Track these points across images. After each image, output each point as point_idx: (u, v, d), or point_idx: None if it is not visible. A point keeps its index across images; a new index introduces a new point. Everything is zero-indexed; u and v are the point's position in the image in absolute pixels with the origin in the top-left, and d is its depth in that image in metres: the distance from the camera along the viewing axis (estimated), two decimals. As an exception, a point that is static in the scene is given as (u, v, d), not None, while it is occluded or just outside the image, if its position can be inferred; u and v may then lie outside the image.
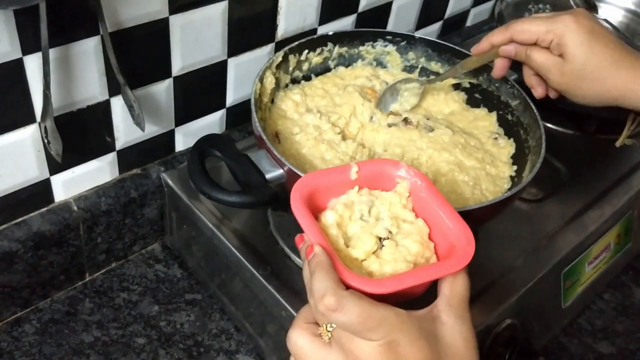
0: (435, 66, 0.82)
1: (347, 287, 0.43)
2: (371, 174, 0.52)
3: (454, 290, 0.45)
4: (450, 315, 0.44)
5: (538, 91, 0.70)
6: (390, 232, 0.49)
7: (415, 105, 0.78)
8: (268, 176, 0.61)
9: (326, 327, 0.43)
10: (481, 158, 0.72)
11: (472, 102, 0.80)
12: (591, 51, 0.62)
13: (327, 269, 0.43)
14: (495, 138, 0.75)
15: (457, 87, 0.81)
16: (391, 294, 0.43)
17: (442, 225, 0.49)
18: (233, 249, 0.69)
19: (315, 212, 0.50)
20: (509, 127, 0.76)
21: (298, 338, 0.44)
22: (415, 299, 0.47)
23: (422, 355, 0.41)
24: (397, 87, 0.76)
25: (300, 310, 0.46)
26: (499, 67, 0.72)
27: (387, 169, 0.52)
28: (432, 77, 0.81)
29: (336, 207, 0.50)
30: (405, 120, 0.70)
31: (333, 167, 0.57)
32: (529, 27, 0.65)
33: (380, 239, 0.49)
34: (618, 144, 0.87)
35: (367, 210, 0.51)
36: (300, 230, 0.47)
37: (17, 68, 0.58)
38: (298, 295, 0.65)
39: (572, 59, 0.63)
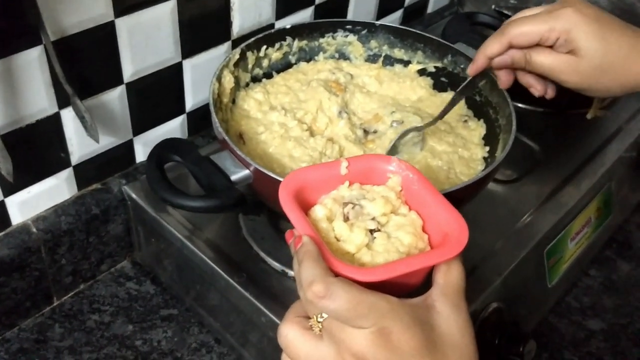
0: (398, 53, 0.80)
1: (338, 276, 0.41)
2: (362, 169, 0.51)
3: (448, 279, 0.43)
4: (446, 304, 0.42)
5: (538, 89, 0.64)
6: (380, 223, 0.48)
7: (418, 154, 0.69)
8: (233, 177, 0.58)
9: (316, 318, 0.42)
10: (452, 142, 0.70)
11: (438, 87, 0.78)
12: (606, 42, 0.57)
13: (315, 257, 0.42)
14: (465, 121, 0.74)
15: (422, 72, 0.79)
16: (384, 284, 0.42)
17: (435, 216, 0.48)
18: (205, 258, 0.66)
19: (306, 208, 0.49)
20: (478, 109, 0.74)
21: (288, 331, 0.42)
22: (412, 291, 0.45)
23: (416, 343, 0.39)
24: (396, 145, 0.67)
25: (291, 306, 0.45)
26: (505, 80, 0.65)
27: (378, 164, 0.51)
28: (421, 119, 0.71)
29: (324, 201, 0.49)
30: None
31: (322, 163, 0.55)
32: (529, 29, 0.59)
33: (370, 231, 0.47)
34: (589, 116, 0.86)
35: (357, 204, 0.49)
36: (290, 227, 0.46)
37: (-46, 86, 0.55)
38: (276, 300, 0.62)
39: (586, 54, 0.57)
